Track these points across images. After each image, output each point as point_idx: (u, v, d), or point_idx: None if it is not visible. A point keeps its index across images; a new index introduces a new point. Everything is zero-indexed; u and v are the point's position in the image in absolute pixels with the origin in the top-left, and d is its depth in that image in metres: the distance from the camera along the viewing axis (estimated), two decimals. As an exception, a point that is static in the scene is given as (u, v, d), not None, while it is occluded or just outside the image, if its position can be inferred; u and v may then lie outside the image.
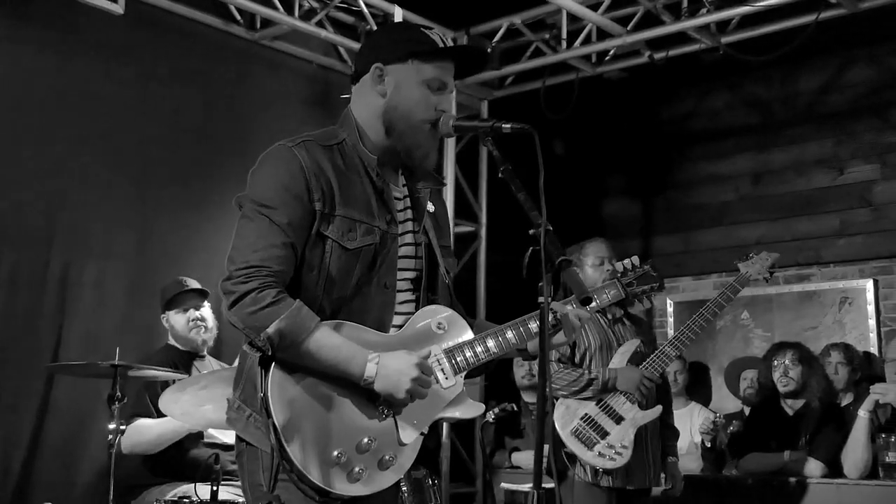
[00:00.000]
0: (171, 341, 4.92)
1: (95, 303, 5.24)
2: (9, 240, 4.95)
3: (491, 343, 2.65)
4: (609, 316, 4.81)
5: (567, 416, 4.57)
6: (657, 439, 4.75)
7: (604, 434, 4.52)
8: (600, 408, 4.57)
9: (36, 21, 5.16)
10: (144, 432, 4.49)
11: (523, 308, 4.31)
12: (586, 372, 4.60)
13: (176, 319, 4.86)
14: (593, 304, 2.78)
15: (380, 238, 2.56)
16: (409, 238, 2.68)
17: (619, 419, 4.55)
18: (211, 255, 5.47)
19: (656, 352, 4.69)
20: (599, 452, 4.48)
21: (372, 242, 2.54)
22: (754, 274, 4.81)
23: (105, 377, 4.14)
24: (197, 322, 4.85)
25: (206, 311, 4.92)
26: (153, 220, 5.53)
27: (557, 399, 4.63)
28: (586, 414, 4.56)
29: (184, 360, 4.80)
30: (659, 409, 4.65)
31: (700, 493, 5.43)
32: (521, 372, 6.22)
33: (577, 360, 4.70)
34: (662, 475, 4.82)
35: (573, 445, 4.50)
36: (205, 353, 4.93)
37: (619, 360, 4.67)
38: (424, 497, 3.88)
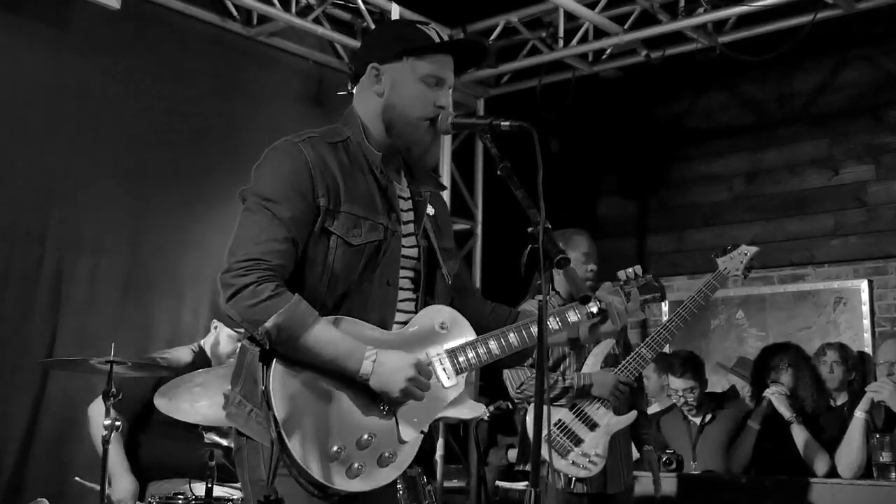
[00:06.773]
0: (203, 342, 4.87)
1: (89, 298, 5.23)
2: (2, 235, 4.94)
3: (493, 344, 2.65)
4: None
5: None
6: (628, 439, 4.63)
7: (578, 441, 4.36)
8: (574, 414, 4.41)
9: (30, 16, 5.14)
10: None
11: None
12: (560, 379, 4.40)
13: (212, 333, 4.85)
14: (591, 304, 2.77)
15: (384, 235, 2.56)
16: (411, 239, 2.67)
17: (593, 426, 4.39)
18: (204, 251, 5.47)
19: (632, 354, 4.48)
20: (573, 461, 4.33)
21: (376, 239, 2.54)
22: (732, 270, 4.49)
23: (100, 373, 4.13)
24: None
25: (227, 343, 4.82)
26: (147, 216, 5.52)
27: (531, 403, 4.45)
28: (560, 420, 4.38)
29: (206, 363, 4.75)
30: (633, 414, 4.49)
31: (694, 491, 5.44)
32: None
33: (550, 363, 4.45)
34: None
35: (546, 452, 4.25)
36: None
37: (593, 362, 4.49)
38: (418, 494, 3.89)
